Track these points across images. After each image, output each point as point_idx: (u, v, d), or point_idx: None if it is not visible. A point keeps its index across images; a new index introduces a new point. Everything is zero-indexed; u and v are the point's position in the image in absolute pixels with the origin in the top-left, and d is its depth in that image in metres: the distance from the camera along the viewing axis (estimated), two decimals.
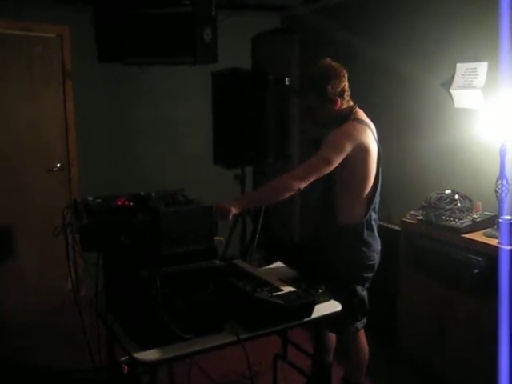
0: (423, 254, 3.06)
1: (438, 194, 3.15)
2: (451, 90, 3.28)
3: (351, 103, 2.59)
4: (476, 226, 2.88)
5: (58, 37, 4.21)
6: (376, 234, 2.65)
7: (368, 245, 2.60)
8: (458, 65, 3.25)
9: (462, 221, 2.89)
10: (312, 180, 2.42)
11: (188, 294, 2.05)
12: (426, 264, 3.05)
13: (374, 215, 2.62)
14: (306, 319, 2.25)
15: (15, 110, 4.14)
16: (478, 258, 2.72)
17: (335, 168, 2.43)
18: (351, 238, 2.59)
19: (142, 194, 2.74)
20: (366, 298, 2.68)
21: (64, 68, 4.24)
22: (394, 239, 3.35)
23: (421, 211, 3.13)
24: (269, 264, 4.82)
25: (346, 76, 2.53)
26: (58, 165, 4.35)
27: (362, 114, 2.58)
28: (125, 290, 2.16)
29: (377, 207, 2.63)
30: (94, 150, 4.47)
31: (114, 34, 3.98)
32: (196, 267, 2.07)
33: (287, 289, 2.38)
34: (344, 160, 2.43)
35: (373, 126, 2.58)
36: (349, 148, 2.43)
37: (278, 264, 2.95)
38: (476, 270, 2.71)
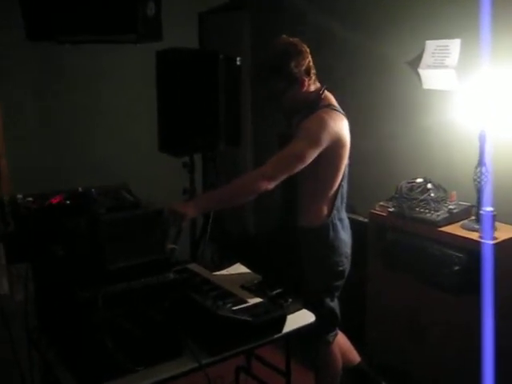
0: (395, 249, 2.82)
1: (409, 182, 2.91)
2: (419, 70, 3.02)
3: (318, 85, 2.31)
4: (453, 218, 2.65)
5: None
6: (344, 235, 2.37)
7: (334, 249, 2.32)
8: (428, 42, 2.99)
9: (437, 212, 2.66)
10: (282, 179, 2.09)
11: (138, 316, 1.70)
12: (399, 260, 2.81)
13: (340, 214, 2.34)
14: (276, 336, 1.95)
15: None
16: (458, 254, 2.49)
17: None
18: (314, 243, 2.32)
19: (80, 190, 2.38)
20: (336, 308, 2.41)
21: None
22: (360, 232, 3.09)
23: (391, 202, 2.87)
24: (222, 260, 4.52)
25: (309, 51, 2.24)
26: None
27: (332, 99, 2.30)
28: (60, 311, 1.78)
29: (343, 204, 2.37)
30: (25, 140, 3.98)
31: (44, 6, 3.54)
32: (146, 283, 1.72)
33: (252, 300, 2.07)
34: (318, 154, 2.13)
35: (344, 114, 2.31)
36: (325, 141, 2.14)
37: (238, 266, 2.63)
38: (456, 267, 2.48)
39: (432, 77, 2.99)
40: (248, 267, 2.46)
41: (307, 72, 2.23)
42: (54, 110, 4.09)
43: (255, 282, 2.30)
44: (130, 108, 4.37)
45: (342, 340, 2.54)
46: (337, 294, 2.40)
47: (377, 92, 3.39)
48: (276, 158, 2.12)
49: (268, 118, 4.14)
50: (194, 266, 2.46)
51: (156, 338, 1.72)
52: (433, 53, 2.97)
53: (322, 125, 2.14)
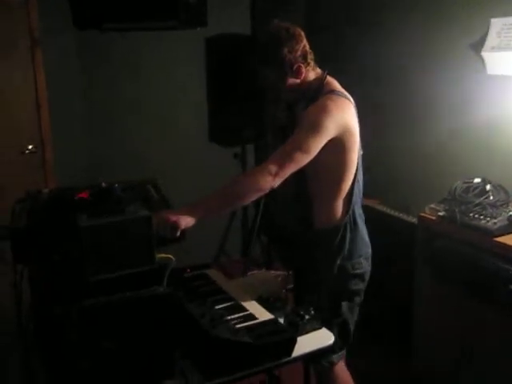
0: (444, 258, 2.48)
1: (465, 183, 2.55)
2: (483, 53, 2.63)
3: (319, 70, 2.06)
4: None
5: (25, 1, 3.65)
6: (363, 233, 2.13)
7: (352, 250, 2.07)
8: (493, 20, 2.59)
9: (494, 220, 2.30)
10: (288, 174, 1.86)
11: (121, 334, 1.53)
12: (448, 270, 2.48)
13: (357, 210, 2.10)
14: (284, 359, 1.72)
15: None
16: None
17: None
18: (330, 244, 2.07)
19: (104, 185, 2.27)
20: (351, 322, 2.14)
21: (32, 35, 3.70)
22: (410, 235, 2.78)
23: (443, 205, 2.53)
24: (270, 256, 4.33)
25: (303, 35, 2.00)
26: (30, 146, 3.84)
27: (336, 84, 2.04)
28: (42, 323, 1.65)
29: (360, 200, 2.12)
30: (71, 129, 3.95)
31: None
32: (131, 297, 1.54)
33: (264, 316, 1.85)
34: (324, 146, 1.89)
35: (352, 100, 2.05)
36: (331, 130, 1.90)
37: (265, 273, 2.42)
38: None
39: (498, 61, 2.59)
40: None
41: (304, 57, 1.99)
42: (100, 100, 4.03)
43: (278, 290, 2.09)
44: (179, 97, 4.24)
45: (345, 377, 2.21)
46: (358, 299, 2.14)
47: (432, 80, 3.02)
48: (279, 152, 1.89)
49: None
50: (212, 272, 2.26)
51: (139, 360, 1.55)
52: (499, 32, 2.58)
53: (327, 112, 1.90)
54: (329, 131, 1.89)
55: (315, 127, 1.87)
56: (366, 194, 3.39)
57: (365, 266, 2.11)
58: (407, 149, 3.29)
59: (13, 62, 3.71)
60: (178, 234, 1.73)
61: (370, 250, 2.15)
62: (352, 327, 2.15)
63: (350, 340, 2.16)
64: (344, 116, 1.94)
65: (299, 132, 1.90)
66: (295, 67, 1.97)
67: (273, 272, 2.33)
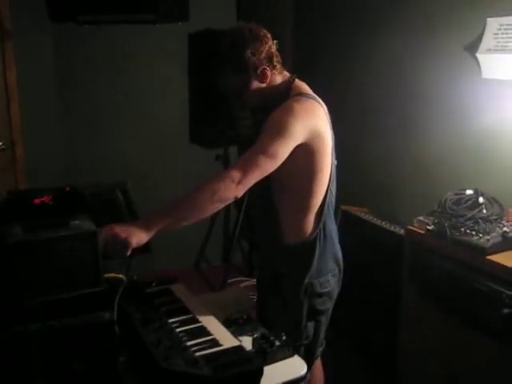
0: (431, 276, 2.30)
1: (456, 194, 2.37)
2: (478, 55, 2.45)
3: (286, 74, 1.90)
4: (507, 244, 2.10)
5: None
6: (334, 249, 1.96)
7: (321, 267, 1.90)
8: (489, 20, 2.41)
9: (487, 236, 2.11)
10: (253, 182, 1.68)
11: (56, 367, 1.33)
12: (435, 289, 2.29)
13: (329, 224, 1.92)
14: None
15: None
16: (509, 292, 1.94)
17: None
18: (298, 261, 1.90)
19: (68, 189, 2.09)
20: (317, 343, 1.99)
21: (2, 27, 3.48)
22: (398, 248, 2.60)
23: (432, 218, 2.34)
24: (252, 265, 4.14)
25: (270, 37, 1.84)
26: (0, 143, 3.63)
27: (305, 87, 1.88)
28: None
29: (332, 212, 1.95)
30: (44, 126, 3.75)
31: None
32: (69, 324, 1.34)
33: (229, 341, 1.65)
34: (291, 153, 1.72)
35: (323, 103, 1.89)
36: (299, 134, 1.73)
37: (237, 289, 2.22)
38: (506, 310, 1.94)
39: (493, 63, 2.41)
40: None
41: (269, 60, 1.82)
42: (75, 96, 3.83)
43: (247, 309, 1.91)
44: (159, 95, 4.05)
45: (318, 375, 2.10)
46: (324, 320, 1.98)
47: (423, 83, 2.84)
48: (242, 158, 1.71)
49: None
50: (178, 288, 2.06)
51: None
52: (495, 34, 2.39)
53: (293, 114, 1.73)
54: (296, 135, 1.71)
55: (281, 131, 1.70)
56: (354, 201, 3.25)
57: (332, 283, 1.94)
58: (397, 155, 3.12)
59: None
60: (129, 253, 1.52)
61: (339, 267, 1.99)
62: (318, 349, 2.01)
63: (314, 360, 2.01)
64: (313, 120, 1.77)
65: (263, 137, 1.71)
66: (259, 70, 1.80)
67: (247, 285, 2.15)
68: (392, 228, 2.89)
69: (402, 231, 2.72)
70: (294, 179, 1.83)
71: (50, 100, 3.75)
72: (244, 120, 1.95)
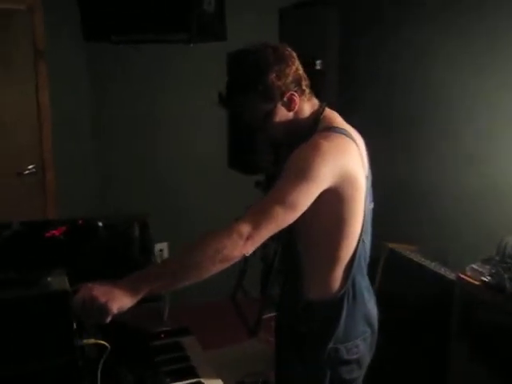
0: (486, 334, 1.96)
1: None
2: None
3: (315, 101, 1.61)
4: None
5: (28, 9, 3.37)
6: (366, 309, 1.65)
7: (349, 330, 1.60)
8: None
9: None
10: (265, 237, 1.38)
11: None
12: (490, 350, 1.95)
13: (360, 279, 1.63)
14: None
15: None
16: None
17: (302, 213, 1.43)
18: (322, 322, 1.61)
19: (81, 222, 2.00)
20: None
21: (36, 48, 3.41)
22: (447, 296, 2.27)
23: (489, 267, 2.01)
24: None
25: (295, 56, 1.56)
26: (30, 167, 3.53)
27: (337, 118, 1.59)
28: None
29: (365, 266, 1.65)
30: (76, 150, 3.63)
31: (99, 6, 3.24)
32: None
33: None
34: (317, 199, 1.43)
35: (359, 139, 1.60)
36: (325, 178, 1.43)
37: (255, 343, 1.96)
38: None
39: None
40: None
41: (297, 83, 1.54)
42: (109, 118, 3.72)
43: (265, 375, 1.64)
44: (197, 118, 3.88)
45: None
46: None
47: (484, 113, 2.53)
48: (255, 207, 1.42)
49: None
50: (189, 342, 1.82)
51: None
52: None
53: (319, 154, 1.43)
54: (322, 179, 1.42)
55: (303, 174, 1.40)
56: (403, 238, 2.94)
57: (362, 349, 1.64)
58: (453, 189, 2.81)
59: (13, 76, 3.44)
60: (108, 320, 1.25)
61: (372, 329, 1.68)
62: None
63: None
64: (343, 160, 1.47)
65: (282, 181, 1.42)
66: (287, 96, 1.53)
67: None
68: (442, 271, 2.57)
69: (452, 275, 2.39)
70: (318, 229, 1.55)
71: (82, 122, 3.64)
72: (266, 156, 1.67)
